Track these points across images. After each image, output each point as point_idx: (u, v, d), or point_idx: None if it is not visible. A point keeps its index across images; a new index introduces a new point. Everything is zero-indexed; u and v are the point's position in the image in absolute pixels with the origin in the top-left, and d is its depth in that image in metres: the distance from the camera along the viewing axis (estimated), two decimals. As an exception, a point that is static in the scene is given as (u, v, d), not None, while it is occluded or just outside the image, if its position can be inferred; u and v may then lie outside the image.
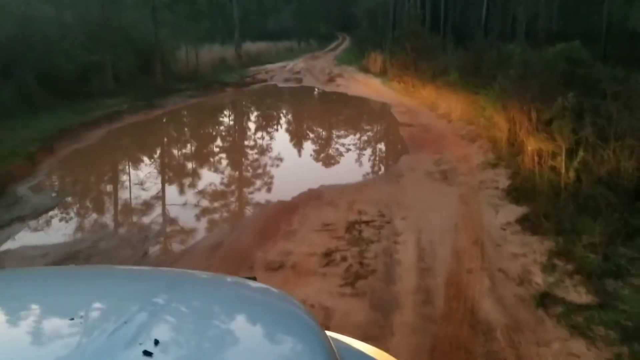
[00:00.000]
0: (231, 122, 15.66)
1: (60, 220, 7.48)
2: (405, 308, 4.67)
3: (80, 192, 9.07)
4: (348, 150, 11.76)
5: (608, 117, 7.10)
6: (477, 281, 5.17)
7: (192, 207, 7.93)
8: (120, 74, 17.39)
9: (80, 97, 14.79)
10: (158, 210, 8.02)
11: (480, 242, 6.08)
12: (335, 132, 13.82)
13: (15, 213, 7.47)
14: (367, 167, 10.33)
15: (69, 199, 8.55)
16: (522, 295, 4.85)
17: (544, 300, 4.71)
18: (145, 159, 11.39)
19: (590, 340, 4.09)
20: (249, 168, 10.44)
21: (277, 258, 5.76)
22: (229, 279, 1.84)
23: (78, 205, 8.40)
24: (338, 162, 10.81)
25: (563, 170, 6.49)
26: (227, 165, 10.78)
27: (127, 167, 10.82)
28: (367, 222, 6.80)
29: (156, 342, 1.12)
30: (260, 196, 8.65)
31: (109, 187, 9.69)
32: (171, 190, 9.16)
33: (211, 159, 11.25)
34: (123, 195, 8.86)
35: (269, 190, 9.06)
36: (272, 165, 10.41)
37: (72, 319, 1.21)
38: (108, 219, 7.81)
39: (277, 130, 14.57)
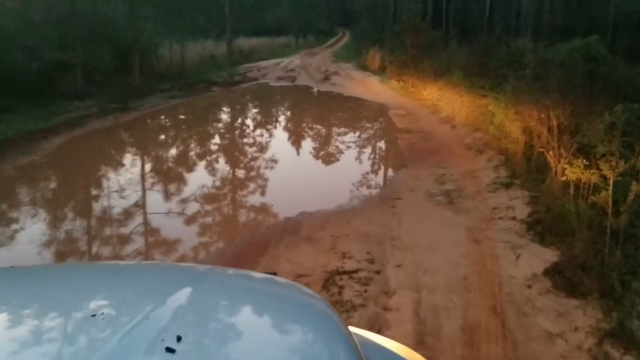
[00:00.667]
0: (210, 130, 13.87)
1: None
2: None
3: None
4: (337, 164, 10.13)
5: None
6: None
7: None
8: (93, 73, 15.75)
9: (45, 99, 13.18)
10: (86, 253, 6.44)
11: (500, 309, 4.47)
12: (325, 142, 12.17)
13: None
14: (358, 185, 8.70)
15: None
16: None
17: None
18: (101, 181, 9.54)
19: None
20: (220, 191, 8.80)
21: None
22: (251, 274, 1.75)
23: None
24: (325, 180, 9.16)
25: (610, 209, 4.87)
26: (195, 187, 9.13)
27: (73, 193, 8.72)
28: (351, 273, 5.20)
29: (179, 339, 1.08)
30: (227, 230, 7.07)
31: (37, 228, 6.90)
32: (109, 228, 7.56)
33: (173, 183, 9.57)
34: (54, 235, 7.20)
35: (238, 219, 7.49)
36: (246, 186, 8.82)
37: (94, 315, 1.17)
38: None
39: (259, 140, 12.71)
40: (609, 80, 10.74)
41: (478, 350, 3.92)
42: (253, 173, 9.57)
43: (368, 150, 11.11)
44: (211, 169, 9.91)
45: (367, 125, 14.08)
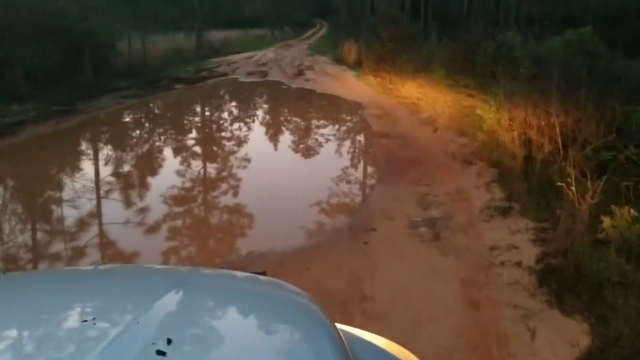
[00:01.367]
0: (161, 138, 11.88)
1: None
2: None
3: None
4: (301, 181, 8.37)
5: None
6: None
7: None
8: (37, 72, 13.84)
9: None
10: None
11: None
12: (289, 151, 10.40)
13: None
14: (325, 210, 7.05)
15: None
16: None
17: None
18: (23, 203, 7.90)
19: None
20: (148, 236, 7.05)
21: None
22: (239, 274, 1.71)
23: None
24: (284, 204, 7.36)
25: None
26: (128, 215, 7.45)
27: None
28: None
29: (169, 341, 1.07)
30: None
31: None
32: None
33: (108, 206, 7.90)
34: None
35: (169, 262, 5.80)
36: (184, 217, 7.12)
37: (85, 321, 1.16)
38: None
39: (210, 151, 10.58)
40: (608, 77, 9.27)
41: None
42: (194, 198, 7.88)
43: (338, 161, 9.34)
44: (148, 191, 8.20)
45: (340, 128, 12.40)
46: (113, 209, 7.15)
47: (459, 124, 10.57)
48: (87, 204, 7.25)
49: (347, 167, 8.92)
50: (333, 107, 14.75)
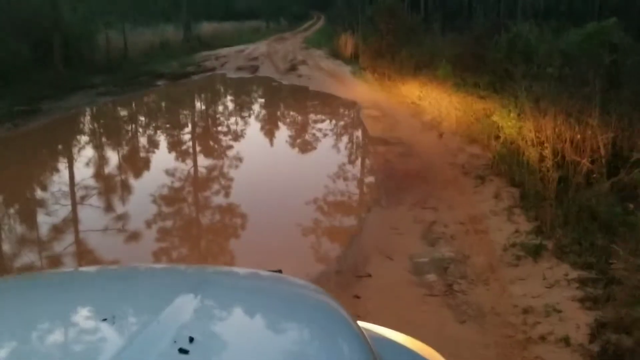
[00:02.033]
0: (132, 143, 10.39)
1: None
2: None
3: None
4: (284, 202, 6.84)
5: None
6: None
7: None
8: (3, 68, 12.38)
9: None
10: None
11: None
12: (274, 162, 8.82)
13: None
14: (309, 244, 5.63)
15: None
16: None
17: None
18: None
19: None
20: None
21: None
22: (258, 273, 1.65)
23: None
24: (263, 234, 5.87)
25: None
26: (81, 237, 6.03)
27: None
28: None
29: (191, 340, 1.04)
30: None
31: None
32: None
33: (59, 226, 6.47)
34: None
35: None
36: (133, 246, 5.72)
37: (105, 319, 1.13)
38: None
39: (185, 160, 9.17)
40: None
41: None
42: (151, 234, 6.44)
43: (329, 176, 7.88)
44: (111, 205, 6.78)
45: (333, 132, 10.93)
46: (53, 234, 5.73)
47: (467, 130, 9.15)
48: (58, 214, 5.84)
49: (338, 184, 7.48)
50: (326, 108, 13.31)
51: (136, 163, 8.92)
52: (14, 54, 12.83)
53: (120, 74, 15.87)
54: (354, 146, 9.39)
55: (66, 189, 7.51)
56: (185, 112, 13.44)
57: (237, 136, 10.73)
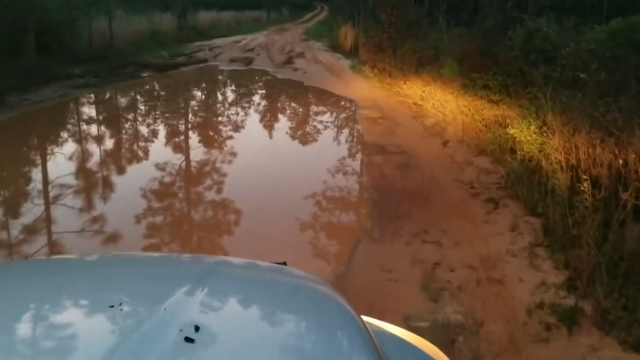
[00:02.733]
0: (99, 145, 9.07)
1: None
2: None
3: None
4: (254, 230, 5.56)
5: None
6: None
7: None
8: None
9: None
10: None
11: None
12: (252, 175, 7.43)
13: None
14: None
15: None
16: None
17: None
18: None
19: None
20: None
21: None
22: (263, 264, 1.59)
23: None
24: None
25: None
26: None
27: None
28: None
29: (197, 328, 1.03)
30: None
31: None
32: None
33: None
34: None
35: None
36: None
37: (112, 306, 1.10)
38: None
39: (144, 164, 7.86)
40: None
41: None
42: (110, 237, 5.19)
43: (313, 195, 6.32)
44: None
45: (324, 137, 9.62)
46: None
47: (476, 138, 7.89)
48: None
49: (323, 206, 6.21)
50: (320, 107, 12.03)
51: (102, 168, 7.68)
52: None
53: (105, 64, 14.56)
54: (347, 155, 8.07)
55: (17, 198, 6.28)
56: (163, 108, 12.09)
57: (230, 132, 9.46)
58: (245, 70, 16.46)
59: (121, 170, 7.63)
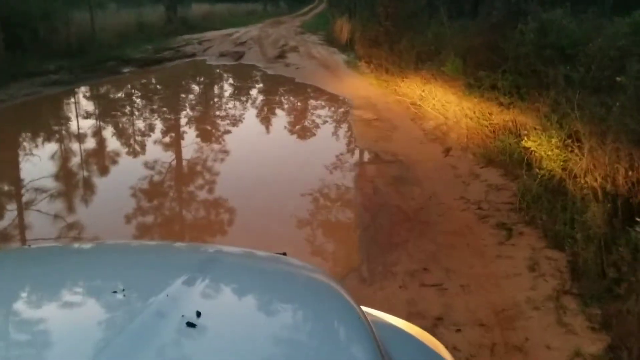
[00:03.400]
0: (65, 149, 8.09)
1: None
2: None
3: None
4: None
5: None
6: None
7: None
8: None
9: None
10: None
11: None
12: (223, 185, 6.56)
13: None
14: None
15: None
16: None
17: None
18: None
19: None
20: None
21: None
22: (263, 254, 1.61)
23: None
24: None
25: None
26: None
27: None
28: None
29: (198, 314, 1.04)
30: None
31: None
32: None
33: None
34: None
35: None
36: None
37: (115, 292, 1.12)
38: None
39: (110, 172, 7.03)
40: None
41: None
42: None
43: (293, 216, 5.41)
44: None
45: (312, 142, 8.57)
46: None
47: (482, 145, 6.89)
48: None
49: (305, 232, 5.18)
50: (311, 106, 10.99)
51: (63, 175, 6.66)
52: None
53: (83, 59, 13.52)
54: (335, 166, 7.00)
55: None
56: (140, 106, 11.04)
57: (207, 134, 8.41)
58: (234, 65, 15.40)
59: (74, 183, 6.60)
